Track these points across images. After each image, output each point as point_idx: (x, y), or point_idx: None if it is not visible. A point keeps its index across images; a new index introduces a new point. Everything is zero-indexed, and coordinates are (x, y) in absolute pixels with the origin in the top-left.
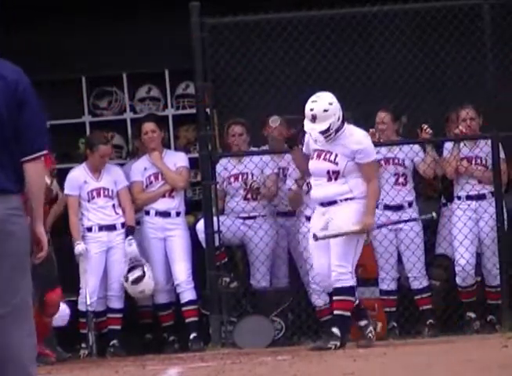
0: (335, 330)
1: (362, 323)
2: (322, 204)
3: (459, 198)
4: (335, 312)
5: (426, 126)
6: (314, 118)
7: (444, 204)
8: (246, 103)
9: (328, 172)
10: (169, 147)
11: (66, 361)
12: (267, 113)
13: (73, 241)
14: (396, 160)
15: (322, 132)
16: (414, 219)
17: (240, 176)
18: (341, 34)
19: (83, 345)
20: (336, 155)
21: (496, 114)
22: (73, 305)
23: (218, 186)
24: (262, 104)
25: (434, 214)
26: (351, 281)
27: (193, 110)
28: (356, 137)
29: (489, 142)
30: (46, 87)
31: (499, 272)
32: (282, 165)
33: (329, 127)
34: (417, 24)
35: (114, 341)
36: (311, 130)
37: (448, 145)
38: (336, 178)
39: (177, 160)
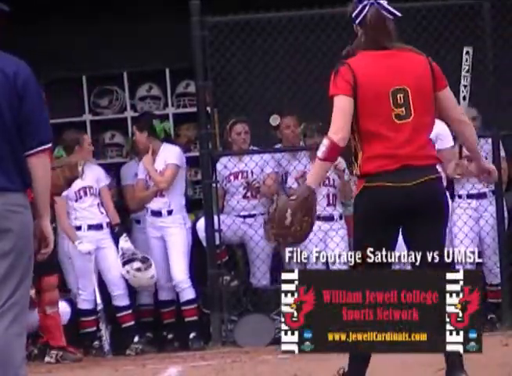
0: None
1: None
2: None
3: (459, 197)
4: None
5: None
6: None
7: None
8: (246, 102)
9: None
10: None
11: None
12: (267, 111)
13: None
14: None
15: None
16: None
17: (240, 174)
18: (342, 32)
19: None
20: None
21: (496, 113)
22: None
23: (218, 185)
24: (263, 103)
25: None
26: None
27: (194, 109)
28: None
29: (490, 140)
30: (46, 86)
31: (500, 271)
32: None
33: None
34: (418, 22)
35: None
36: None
37: None
38: None
39: (168, 157)
